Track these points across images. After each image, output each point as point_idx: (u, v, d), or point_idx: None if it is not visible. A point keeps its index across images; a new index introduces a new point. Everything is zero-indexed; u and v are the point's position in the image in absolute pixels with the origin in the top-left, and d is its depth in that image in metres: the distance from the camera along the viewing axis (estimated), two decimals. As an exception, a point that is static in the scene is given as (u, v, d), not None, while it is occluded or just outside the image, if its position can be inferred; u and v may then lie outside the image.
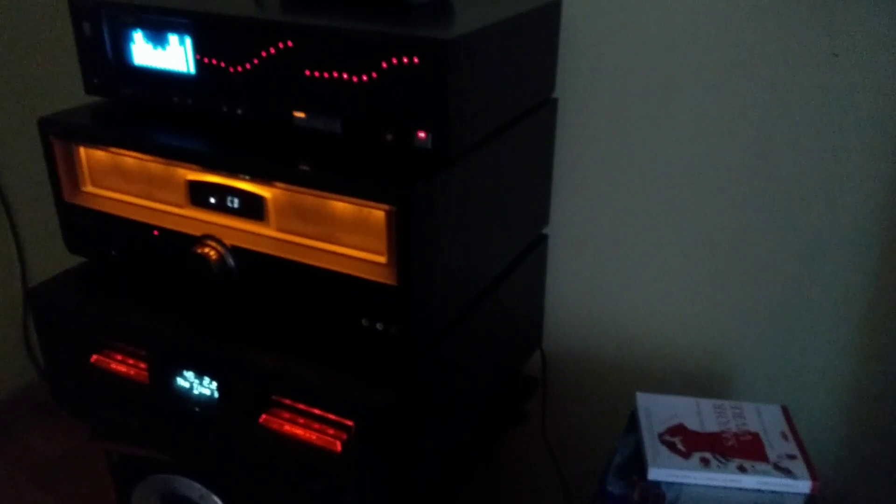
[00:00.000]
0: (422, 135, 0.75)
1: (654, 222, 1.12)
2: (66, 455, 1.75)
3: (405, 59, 0.72)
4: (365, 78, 0.75)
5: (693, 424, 0.93)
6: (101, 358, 0.90)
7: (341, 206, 0.78)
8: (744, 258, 1.08)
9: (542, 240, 1.13)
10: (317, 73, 0.77)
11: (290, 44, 0.77)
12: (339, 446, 0.78)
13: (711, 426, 0.93)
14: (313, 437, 0.79)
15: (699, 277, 1.12)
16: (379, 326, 0.78)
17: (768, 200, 1.04)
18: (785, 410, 0.96)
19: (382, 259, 0.77)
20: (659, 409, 0.96)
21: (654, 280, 1.16)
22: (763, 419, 0.95)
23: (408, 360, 0.80)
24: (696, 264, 1.12)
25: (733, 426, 0.93)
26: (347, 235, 0.79)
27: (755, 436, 0.92)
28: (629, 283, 1.18)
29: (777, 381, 1.13)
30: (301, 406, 0.81)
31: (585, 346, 1.25)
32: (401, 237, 0.73)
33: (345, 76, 0.76)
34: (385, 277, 0.76)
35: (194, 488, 0.97)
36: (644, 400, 0.97)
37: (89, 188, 0.93)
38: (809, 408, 1.11)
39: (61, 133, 0.89)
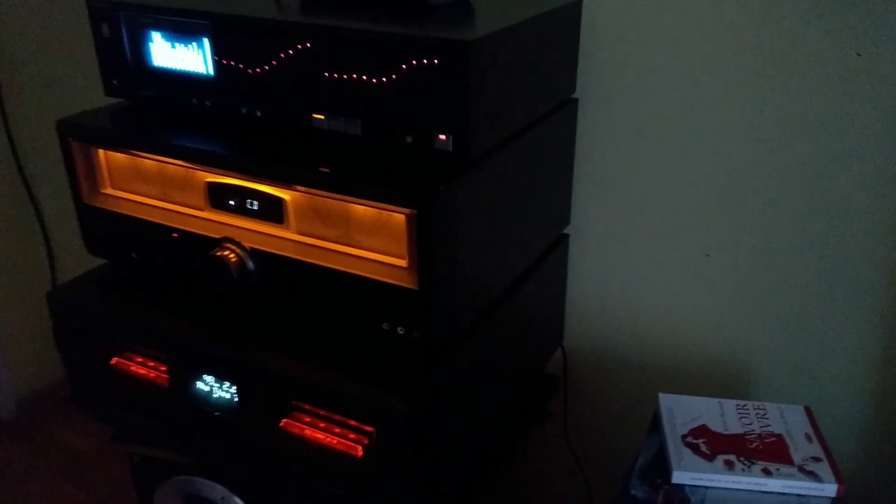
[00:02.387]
0: (442, 137, 0.74)
1: (675, 221, 1.11)
2: (96, 449, 1.76)
3: (425, 61, 0.71)
4: (385, 79, 0.74)
5: (716, 426, 0.92)
6: (122, 360, 0.90)
7: (361, 209, 0.77)
8: (765, 258, 1.07)
9: (564, 240, 1.12)
10: (336, 75, 0.77)
11: (309, 45, 0.77)
12: (360, 451, 0.78)
13: (735, 427, 0.92)
14: (334, 441, 0.79)
15: (720, 277, 1.11)
16: (400, 330, 0.78)
17: (790, 199, 1.03)
18: (808, 411, 0.95)
19: (403, 263, 0.76)
20: (681, 410, 0.95)
21: (675, 279, 1.14)
22: (786, 420, 0.93)
23: (429, 364, 0.80)
24: (718, 264, 1.11)
25: (757, 427, 0.92)
26: (367, 238, 0.78)
27: (779, 437, 0.91)
28: (650, 283, 1.17)
29: (798, 381, 1.12)
30: (322, 411, 0.80)
31: (607, 345, 1.24)
32: (422, 241, 0.72)
33: (364, 78, 0.75)
34: (406, 281, 0.76)
35: (216, 490, 0.97)
36: (666, 400, 0.96)
37: (108, 190, 0.93)
38: (830, 408, 1.09)
39: (80, 135, 0.89)
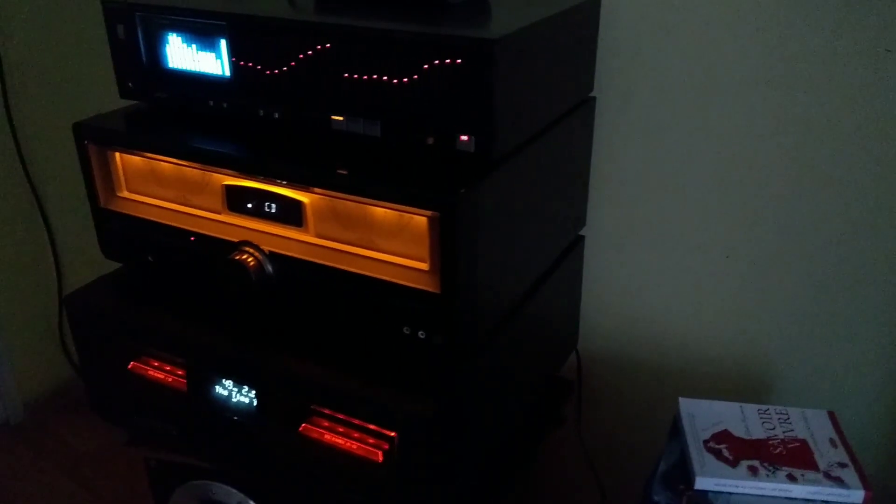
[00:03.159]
0: (464, 138, 0.73)
1: (693, 222, 1.10)
2: (100, 451, 1.77)
3: (448, 60, 0.70)
4: (406, 80, 0.73)
5: (738, 431, 0.91)
6: (139, 365, 0.89)
7: (381, 212, 0.76)
8: (786, 259, 1.06)
9: (579, 241, 1.11)
10: (356, 76, 0.76)
11: (328, 46, 0.76)
12: (380, 456, 0.77)
13: (757, 432, 0.91)
14: (354, 446, 0.78)
15: (739, 279, 1.10)
16: (421, 335, 0.77)
17: (811, 201, 1.02)
18: (832, 416, 0.94)
19: (425, 266, 0.75)
20: (703, 415, 0.94)
21: (693, 281, 1.13)
22: (810, 425, 0.92)
23: (451, 368, 0.79)
24: (737, 265, 1.09)
25: (780, 432, 0.91)
26: (388, 242, 0.77)
27: (803, 443, 0.89)
28: (667, 284, 1.15)
29: (819, 386, 1.10)
30: (341, 415, 0.79)
31: (621, 348, 1.23)
32: (445, 244, 0.71)
33: (385, 78, 0.74)
34: (428, 285, 0.75)
35: (233, 495, 0.96)
36: (687, 405, 0.95)
37: (125, 193, 0.92)
38: (853, 413, 1.08)
39: (96, 138, 0.88)
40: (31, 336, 1.84)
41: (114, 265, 0.97)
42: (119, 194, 0.92)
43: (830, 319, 1.06)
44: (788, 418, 0.93)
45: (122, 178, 0.91)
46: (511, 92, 0.74)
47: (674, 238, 1.12)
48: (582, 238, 1.13)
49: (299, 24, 0.77)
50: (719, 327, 1.14)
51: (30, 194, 1.73)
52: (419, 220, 0.74)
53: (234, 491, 0.96)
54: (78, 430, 1.83)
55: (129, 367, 0.89)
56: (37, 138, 1.69)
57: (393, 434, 0.76)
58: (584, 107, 0.99)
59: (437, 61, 0.71)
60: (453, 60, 0.70)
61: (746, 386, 1.15)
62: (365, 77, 0.75)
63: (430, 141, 0.75)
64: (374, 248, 0.78)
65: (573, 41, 0.91)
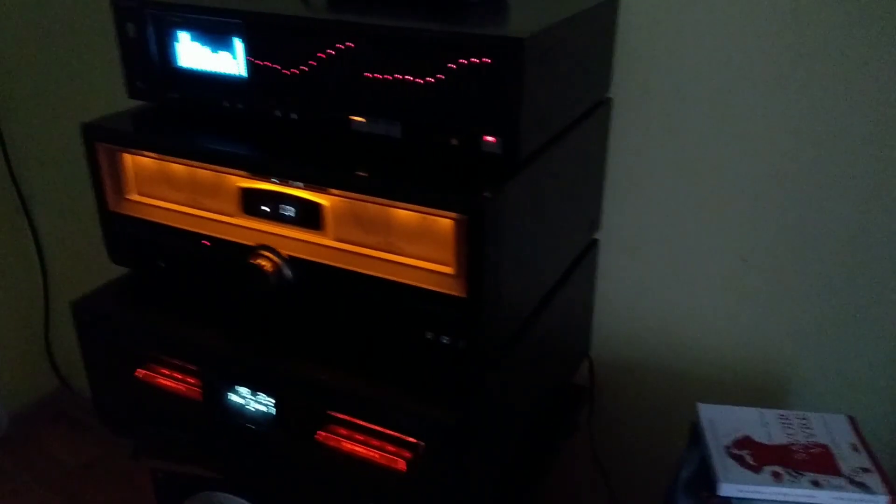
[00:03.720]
0: (490, 139, 0.71)
1: (709, 225, 1.09)
2: (88, 464, 1.75)
3: (475, 60, 0.69)
4: (430, 80, 0.72)
5: (760, 437, 0.90)
6: (147, 373, 0.87)
7: (404, 215, 0.74)
8: (804, 262, 1.05)
9: (594, 245, 1.10)
10: (377, 76, 0.74)
11: (349, 45, 0.74)
12: (403, 465, 0.75)
13: (779, 438, 0.90)
14: (376, 455, 0.76)
15: (757, 283, 1.09)
16: (445, 340, 0.75)
17: (830, 203, 1.01)
18: (852, 421, 0.93)
19: (450, 270, 0.73)
20: (723, 421, 0.93)
21: (709, 285, 1.12)
22: (831, 430, 0.91)
23: (476, 374, 0.77)
24: (754, 269, 1.08)
25: (801, 438, 0.90)
26: (410, 245, 0.75)
27: (825, 448, 0.89)
28: (682, 288, 1.14)
29: (837, 390, 1.10)
30: (360, 422, 0.77)
31: (634, 353, 1.22)
32: (472, 247, 0.69)
33: (408, 78, 0.72)
34: (453, 289, 0.73)
35: (244, 506, 0.94)
36: (707, 411, 0.94)
37: (135, 196, 0.89)
38: (871, 417, 1.07)
39: (107, 139, 0.86)
40: (16, 346, 1.81)
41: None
42: (129, 197, 0.90)
43: (848, 323, 1.05)
44: (809, 423, 0.92)
45: (131, 181, 0.89)
46: (537, 92, 0.73)
47: (688, 241, 1.11)
48: (596, 241, 1.11)
49: (320, 23, 0.75)
50: (735, 332, 1.13)
51: (16, 199, 1.69)
52: (444, 222, 0.72)
53: (245, 502, 0.94)
54: (64, 442, 1.81)
55: (139, 374, 0.87)
56: (23, 142, 1.66)
57: (417, 441, 0.74)
58: (601, 108, 0.98)
59: (463, 61, 0.69)
60: (481, 59, 0.69)
61: (763, 391, 1.14)
62: (387, 77, 0.74)
63: (454, 142, 0.73)
64: (396, 251, 0.76)
65: (593, 41, 0.90)
